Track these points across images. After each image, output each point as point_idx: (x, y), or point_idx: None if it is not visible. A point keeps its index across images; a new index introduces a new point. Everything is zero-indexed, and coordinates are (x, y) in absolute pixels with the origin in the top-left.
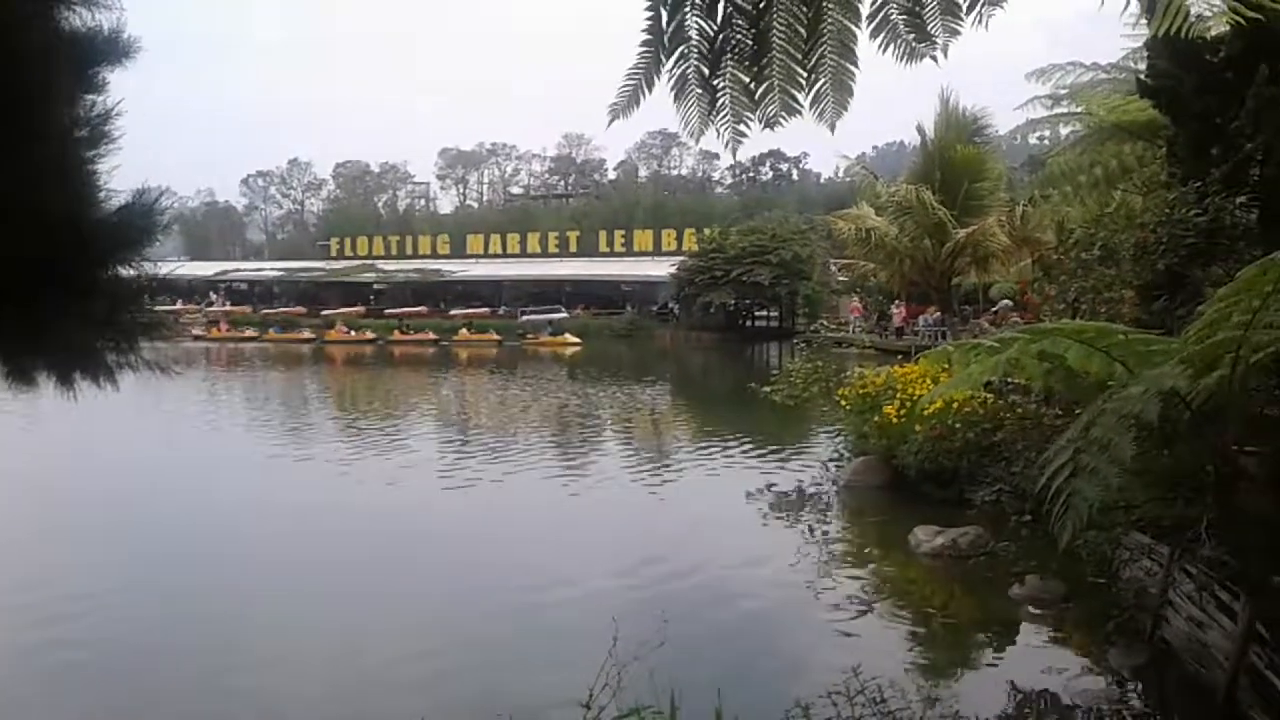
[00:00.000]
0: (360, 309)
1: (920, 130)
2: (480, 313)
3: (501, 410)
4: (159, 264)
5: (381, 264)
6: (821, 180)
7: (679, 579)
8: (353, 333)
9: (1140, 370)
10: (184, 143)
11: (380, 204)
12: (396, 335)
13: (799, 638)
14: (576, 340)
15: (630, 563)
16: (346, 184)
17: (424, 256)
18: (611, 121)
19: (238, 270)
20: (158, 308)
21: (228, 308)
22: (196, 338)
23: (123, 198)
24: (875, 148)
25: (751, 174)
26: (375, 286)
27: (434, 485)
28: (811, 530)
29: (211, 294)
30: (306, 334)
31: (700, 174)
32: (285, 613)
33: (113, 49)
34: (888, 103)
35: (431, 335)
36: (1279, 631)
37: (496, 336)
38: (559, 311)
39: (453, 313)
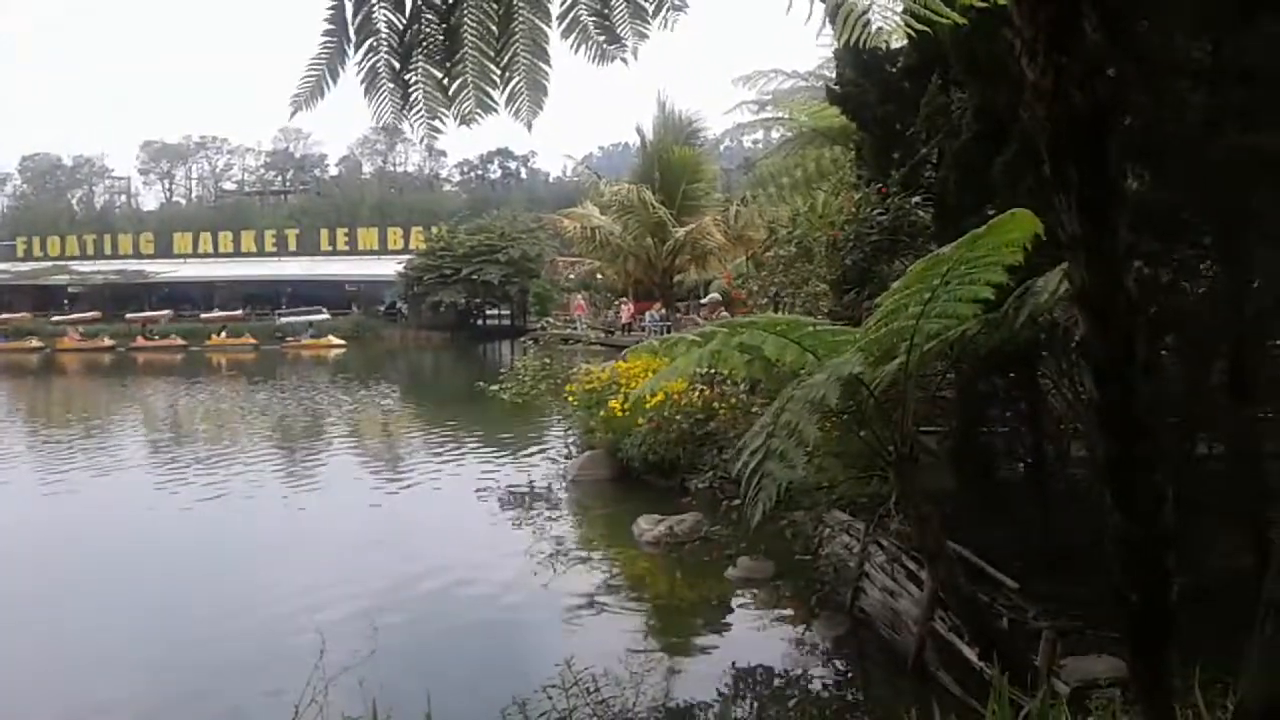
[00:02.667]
0: (96, 314)
1: (640, 132)
2: (234, 315)
3: (226, 418)
4: None
5: (76, 265)
6: (550, 179)
7: (403, 585)
8: (87, 339)
9: (828, 358)
10: None
11: (75, 200)
12: (140, 341)
13: (525, 635)
14: (341, 342)
15: (351, 572)
16: (35, 179)
17: (125, 256)
18: (294, 113)
19: None
20: None
21: None
22: None
23: None
24: (602, 148)
25: (480, 172)
26: (70, 289)
27: (150, 501)
28: (540, 526)
29: None
30: (34, 342)
31: (427, 171)
32: None
33: None
34: (616, 104)
35: (179, 340)
36: (957, 597)
37: (253, 340)
38: (320, 313)
39: (203, 315)
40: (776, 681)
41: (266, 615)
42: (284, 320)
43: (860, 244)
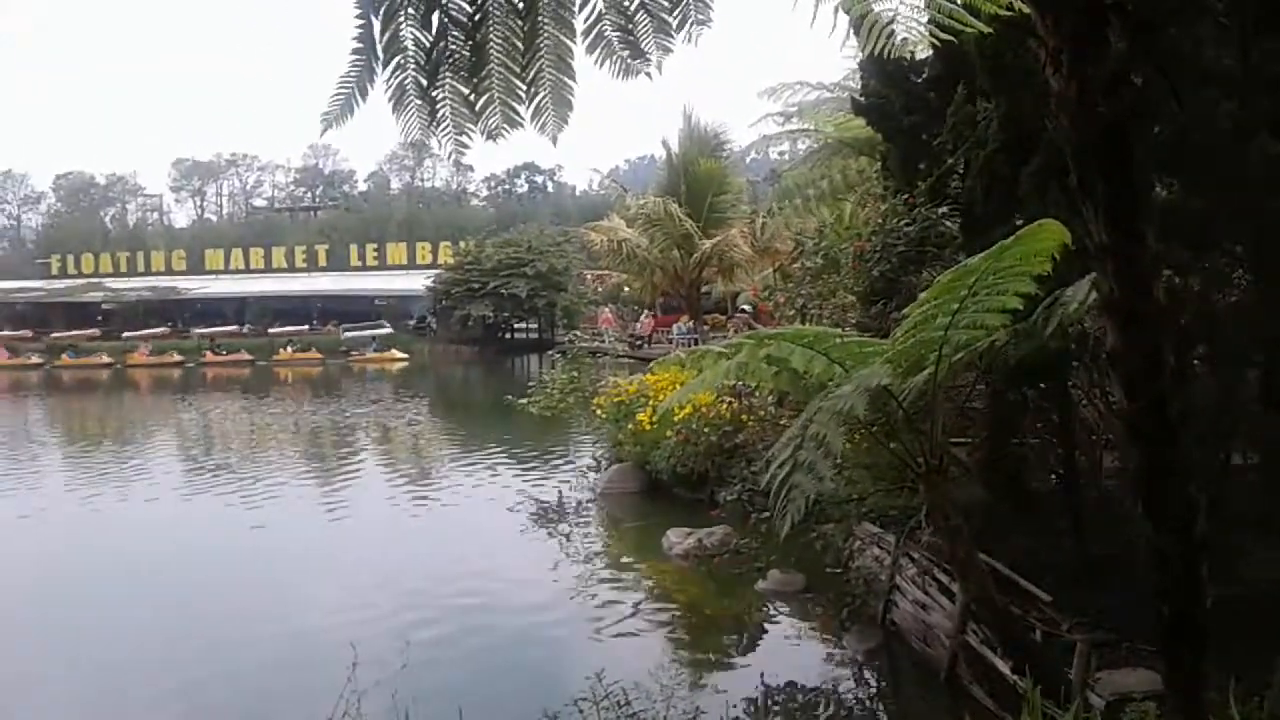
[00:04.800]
0: (164, 330)
1: (665, 145)
2: (301, 330)
3: (260, 432)
4: None
5: (110, 282)
6: (577, 193)
7: (434, 601)
8: (156, 355)
9: (856, 370)
10: None
11: (108, 218)
12: (209, 357)
13: (556, 649)
14: (404, 355)
15: (382, 587)
16: (69, 197)
17: (158, 273)
18: (324, 131)
19: None
20: None
21: None
22: None
23: None
24: (628, 161)
25: (507, 186)
26: (104, 306)
27: (193, 508)
28: (570, 540)
29: None
30: (105, 358)
31: (455, 186)
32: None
33: None
34: (642, 117)
35: (247, 355)
36: (990, 609)
37: (319, 355)
38: (383, 327)
39: (271, 330)
40: (808, 695)
41: (298, 627)
42: (348, 335)
43: (887, 255)
